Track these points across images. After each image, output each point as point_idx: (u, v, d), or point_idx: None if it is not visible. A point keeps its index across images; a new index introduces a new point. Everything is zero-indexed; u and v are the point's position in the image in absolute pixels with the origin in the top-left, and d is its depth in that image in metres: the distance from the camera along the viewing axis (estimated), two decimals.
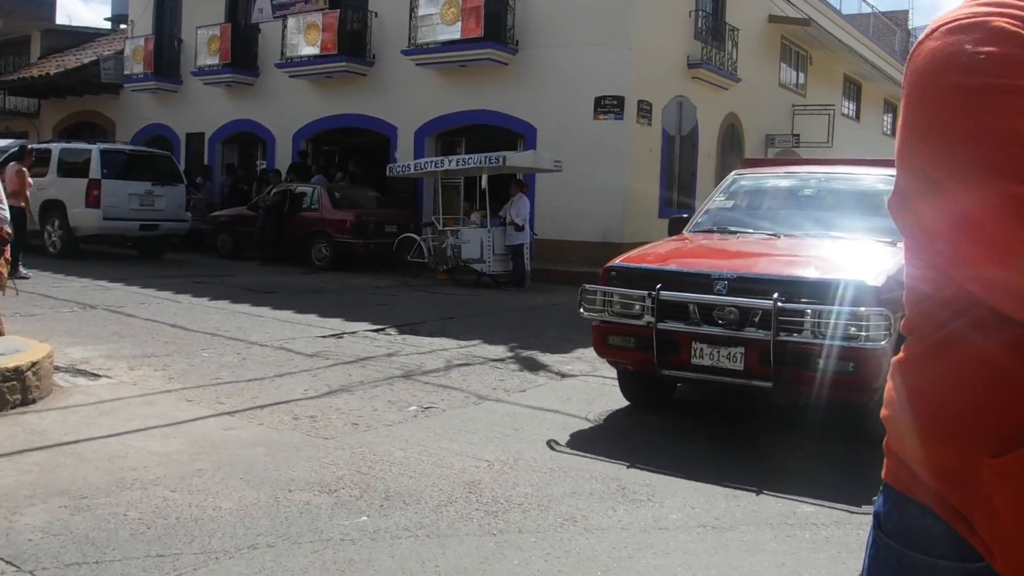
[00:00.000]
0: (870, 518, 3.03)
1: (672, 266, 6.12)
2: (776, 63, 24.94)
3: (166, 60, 25.34)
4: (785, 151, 23.59)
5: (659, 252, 6.55)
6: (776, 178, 7.89)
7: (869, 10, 36.32)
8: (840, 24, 28.32)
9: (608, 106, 18.16)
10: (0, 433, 5.30)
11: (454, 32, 18.87)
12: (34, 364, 6.05)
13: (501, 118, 19.44)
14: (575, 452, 5.49)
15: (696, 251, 6.66)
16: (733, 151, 21.89)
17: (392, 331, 9.94)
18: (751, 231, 6.92)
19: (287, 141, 22.86)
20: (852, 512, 4.49)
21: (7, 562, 3.48)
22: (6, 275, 7.86)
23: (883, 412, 1.21)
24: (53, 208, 16.98)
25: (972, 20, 1.00)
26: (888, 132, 34.12)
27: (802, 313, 5.41)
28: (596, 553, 3.94)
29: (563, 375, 7.89)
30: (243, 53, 23.33)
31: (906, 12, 43.71)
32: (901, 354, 1.18)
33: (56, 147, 17.98)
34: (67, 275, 13.89)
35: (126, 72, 25.76)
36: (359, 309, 11.69)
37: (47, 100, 29.50)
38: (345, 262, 17.42)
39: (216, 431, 5.63)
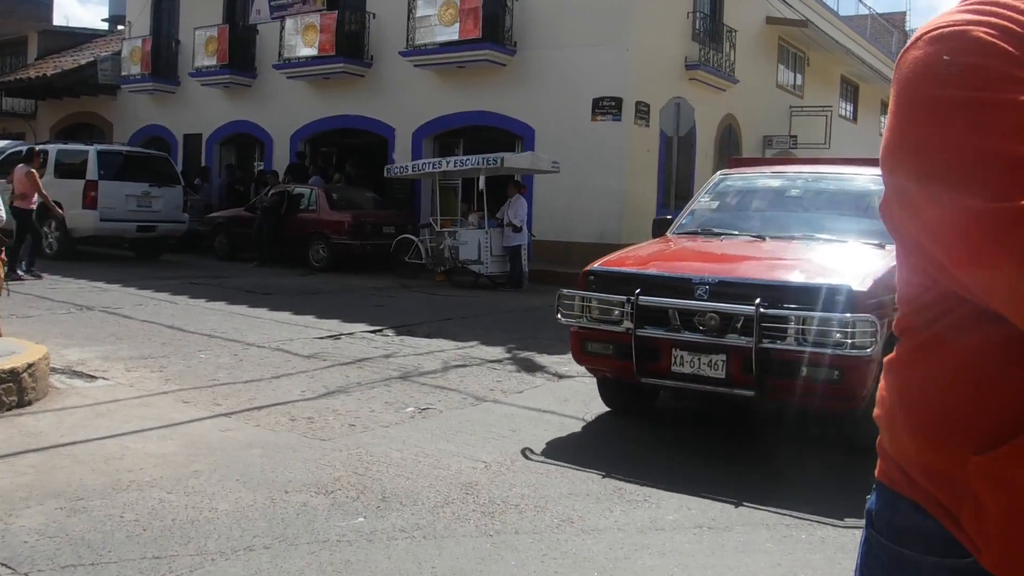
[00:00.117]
0: (857, 528, 2.93)
1: (652, 270, 5.93)
2: (774, 64, 24.96)
3: (164, 61, 25.32)
4: (782, 152, 23.59)
5: (640, 255, 6.38)
6: (762, 178, 7.68)
7: (866, 12, 36.37)
8: (837, 25, 28.33)
9: (606, 107, 18.16)
10: None
11: (452, 33, 18.87)
12: (30, 366, 6.04)
13: (499, 119, 19.44)
14: (549, 461, 5.30)
15: (678, 254, 6.42)
16: (731, 152, 21.89)
17: (390, 332, 9.94)
18: (736, 233, 6.73)
19: (285, 142, 22.86)
20: (835, 526, 4.36)
21: (2, 564, 3.48)
22: (3, 276, 7.86)
23: (875, 411, 1.22)
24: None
25: (952, 29, 1.01)
26: None
27: (785, 319, 5.23)
28: (593, 554, 3.94)
29: (560, 376, 7.88)
30: (241, 54, 23.32)
31: (903, 14, 43.80)
32: (893, 354, 1.20)
33: (53, 148, 17.96)
34: (64, 276, 13.87)
35: (123, 73, 25.74)
36: (356, 310, 11.68)
37: (44, 101, 29.46)
38: (343, 263, 17.41)
39: (213, 433, 5.62)
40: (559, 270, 16.52)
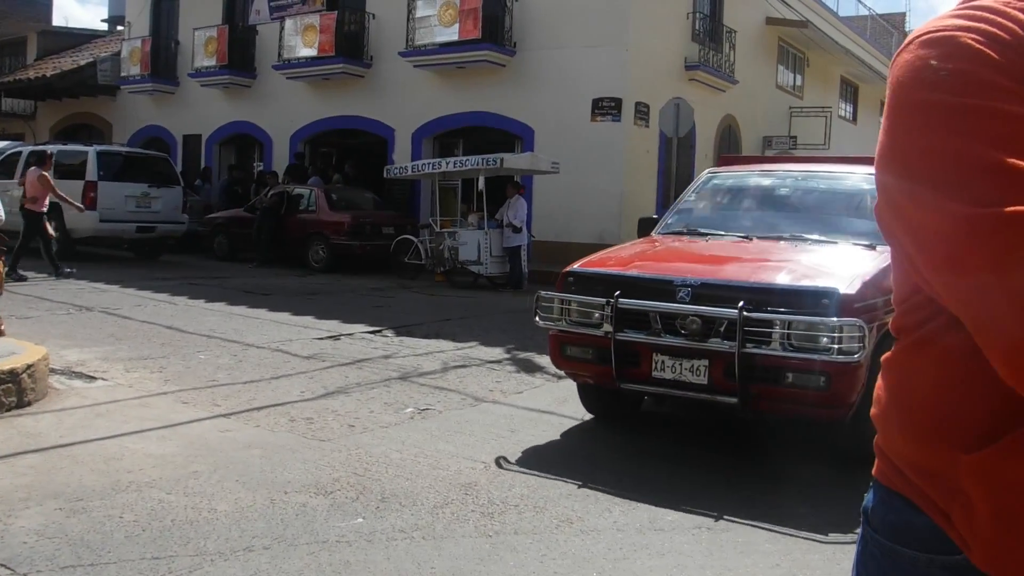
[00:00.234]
0: (839, 544, 2.91)
1: (633, 271, 5.69)
2: (773, 65, 24.97)
3: (163, 62, 25.32)
4: (782, 153, 23.60)
5: (621, 256, 6.17)
6: (751, 177, 7.43)
7: (866, 12, 36.40)
8: (837, 26, 28.33)
9: (605, 108, 18.16)
10: None
11: (452, 34, 18.87)
12: (30, 366, 6.04)
13: (498, 120, 19.45)
14: (524, 470, 5.11)
15: (661, 255, 6.21)
16: (730, 153, 21.90)
17: (389, 333, 9.94)
18: (722, 233, 6.53)
19: (284, 143, 22.86)
20: (819, 542, 4.18)
21: (2, 565, 3.48)
22: (2, 275, 7.86)
23: (872, 410, 1.23)
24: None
25: (941, 35, 1.02)
26: None
27: (770, 323, 5.02)
28: (592, 554, 3.95)
29: (559, 376, 7.87)
30: (240, 55, 23.32)
31: (903, 14, 43.80)
32: (889, 353, 1.21)
33: (52, 149, 17.95)
34: (59, 278, 13.87)
35: (123, 74, 25.73)
36: (356, 311, 11.68)
37: (43, 102, 29.46)
38: (342, 264, 17.41)
39: (212, 433, 5.62)
40: (558, 271, 16.51)
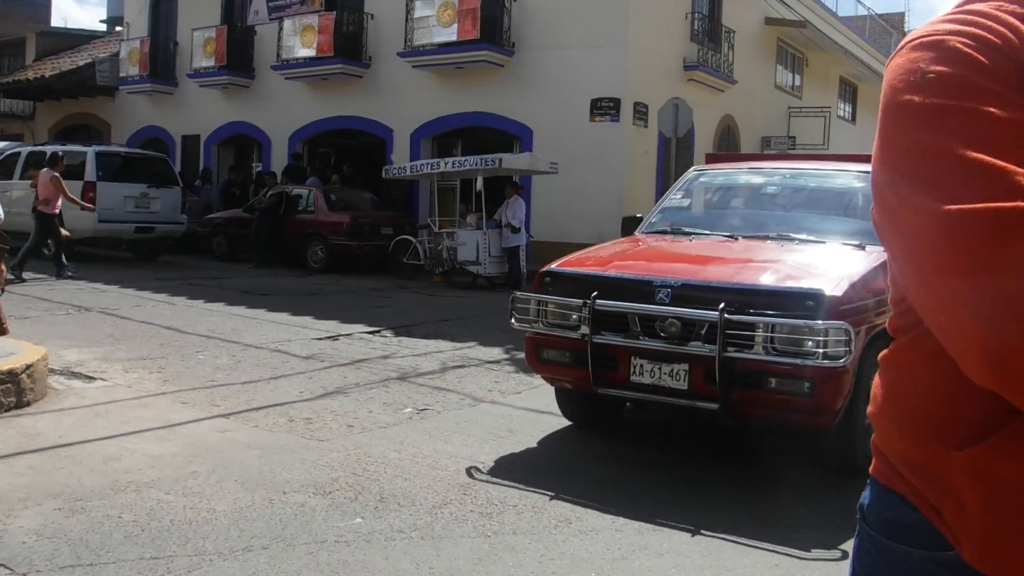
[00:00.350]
0: (822, 560, 2.89)
1: (611, 272, 5.47)
2: (772, 65, 24.97)
3: (161, 62, 25.30)
4: (781, 153, 23.61)
5: (601, 255, 5.94)
6: (738, 175, 7.26)
7: (865, 12, 36.43)
8: (836, 26, 28.35)
9: (604, 108, 18.17)
10: None
11: (450, 34, 18.87)
12: (29, 367, 6.04)
13: (497, 120, 19.45)
14: (496, 480, 4.91)
15: (642, 254, 6.01)
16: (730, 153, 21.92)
17: (388, 333, 9.94)
18: (707, 232, 6.32)
19: (283, 143, 22.85)
20: (800, 558, 4.01)
21: (1, 565, 3.48)
22: (4, 274, 7.87)
23: (869, 408, 1.25)
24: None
25: (931, 39, 1.05)
26: None
27: (752, 326, 4.81)
28: (590, 554, 3.95)
29: None
30: (239, 55, 23.31)
31: (902, 14, 43.83)
32: (886, 351, 1.23)
33: (52, 149, 17.94)
34: (62, 277, 13.87)
35: (121, 74, 25.71)
36: (355, 311, 11.68)
37: (42, 102, 29.43)
38: (341, 264, 17.41)
39: (211, 433, 5.63)
40: None
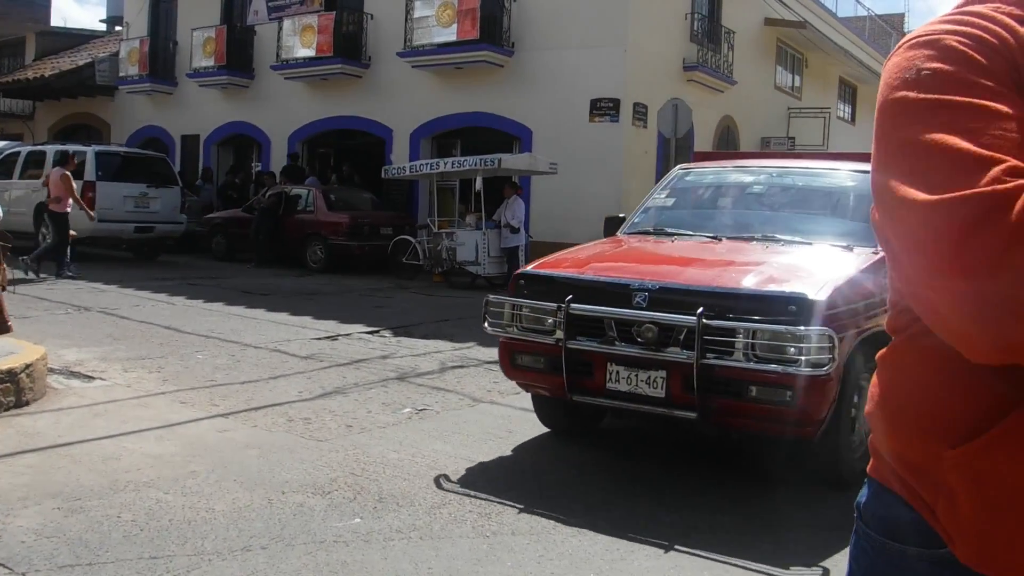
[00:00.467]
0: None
1: (588, 274, 5.27)
2: (772, 66, 24.97)
3: (161, 62, 25.29)
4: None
5: (579, 257, 5.72)
6: (724, 173, 6.99)
7: (865, 13, 36.42)
8: (836, 27, 28.34)
9: (604, 108, 18.16)
10: None
11: (450, 34, 18.86)
12: (28, 366, 6.04)
13: (497, 120, 19.44)
14: (464, 491, 4.72)
15: (621, 256, 5.80)
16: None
17: (387, 333, 9.94)
18: (690, 233, 6.10)
19: (282, 143, 22.84)
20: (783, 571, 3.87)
21: (0, 564, 3.48)
22: (6, 272, 7.87)
23: (867, 408, 1.27)
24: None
25: (928, 38, 1.07)
26: None
27: (732, 332, 4.60)
28: (589, 555, 3.95)
29: None
30: (238, 55, 23.30)
31: (902, 15, 43.83)
32: (884, 350, 1.25)
33: (51, 149, 17.95)
34: (62, 277, 13.87)
35: (121, 74, 25.70)
36: (354, 311, 11.68)
37: (42, 102, 29.43)
38: (340, 264, 17.42)
39: (210, 433, 5.63)
40: None
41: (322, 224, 17.62)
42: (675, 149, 16.63)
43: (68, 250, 14.30)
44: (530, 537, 4.11)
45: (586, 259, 5.60)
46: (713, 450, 6.01)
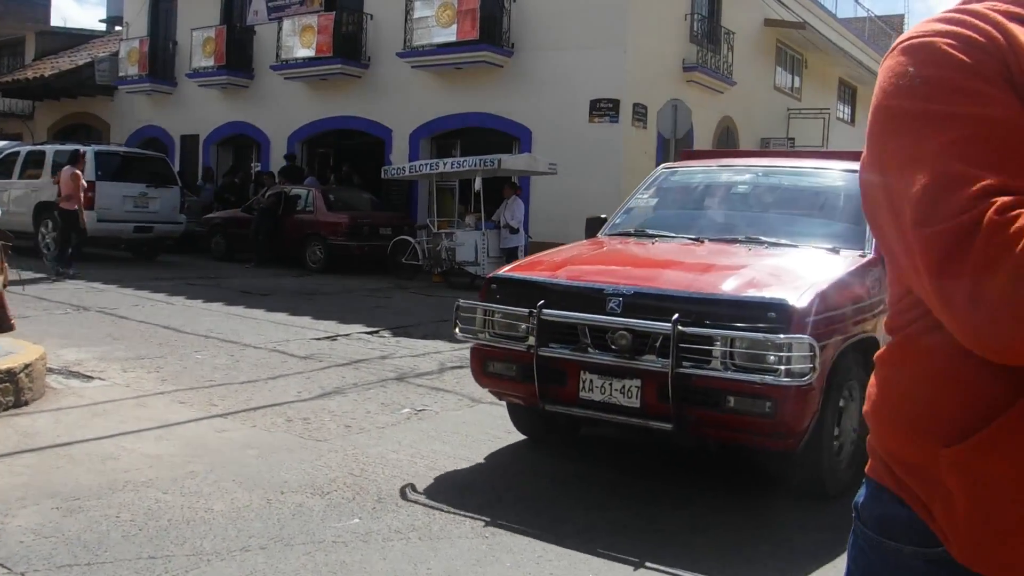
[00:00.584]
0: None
1: (561, 278, 5.07)
2: (771, 66, 24.98)
3: (161, 62, 25.29)
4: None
5: (555, 259, 5.51)
6: (709, 172, 6.76)
7: (864, 14, 36.47)
8: (835, 28, 28.36)
9: (603, 109, 18.16)
10: None
11: (449, 34, 18.86)
12: (27, 366, 6.04)
13: (496, 121, 19.44)
14: (429, 502, 4.51)
15: (598, 258, 5.61)
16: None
17: (386, 333, 9.94)
18: (672, 235, 5.88)
19: (282, 143, 22.83)
20: None
21: None
22: (6, 269, 7.88)
23: (864, 407, 1.27)
24: (47, 210, 16.94)
25: (919, 41, 1.09)
26: None
27: (709, 339, 4.42)
28: (590, 554, 3.95)
29: None
30: (238, 55, 23.30)
31: (902, 16, 43.86)
32: (882, 350, 1.25)
33: (50, 149, 17.95)
34: (60, 278, 13.87)
35: (121, 74, 25.70)
36: (353, 311, 11.68)
37: (41, 102, 29.42)
38: (339, 264, 17.41)
39: (209, 433, 5.63)
40: None
41: (321, 224, 17.62)
42: (675, 150, 16.63)
43: (70, 249, 14.35)
44: (529, 537, 4.11)
45: (561, 262, 5.42)
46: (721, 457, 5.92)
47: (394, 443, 5.57)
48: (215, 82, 23.62)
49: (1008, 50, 1.04)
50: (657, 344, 4.54)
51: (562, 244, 6.73)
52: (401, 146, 20.75)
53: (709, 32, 21.00)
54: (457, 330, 5.32)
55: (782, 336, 4.26)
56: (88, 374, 7.11)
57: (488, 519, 4.34)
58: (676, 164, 7.19)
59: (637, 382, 4.62)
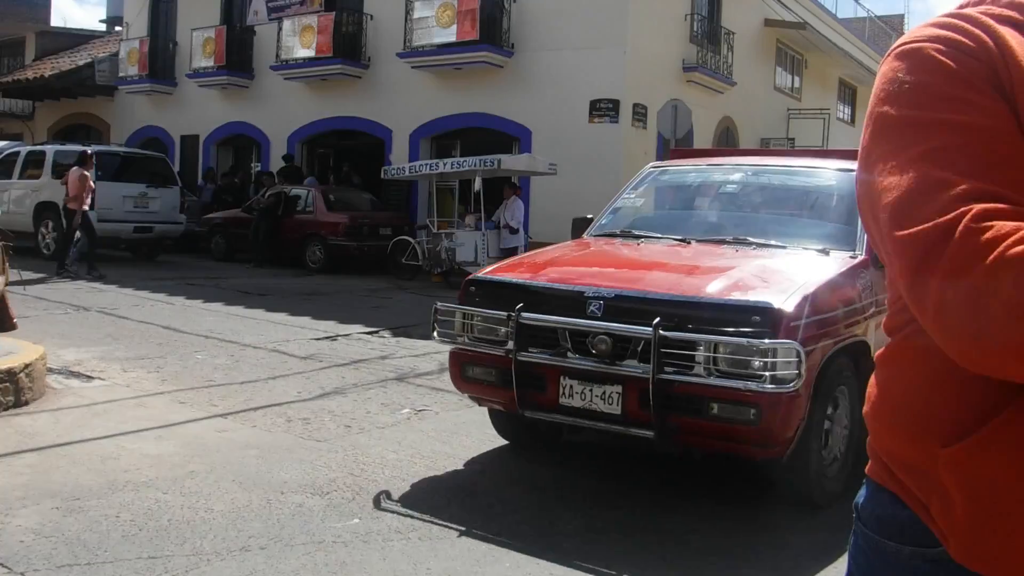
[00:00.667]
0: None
1: (540, 280, 4.93)
2: (771, 67, 24.98)
3: (161, 62, 25.29)
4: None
5: (537, 261, 5.39)
6: (698, 172, 6.60)
7: (865, 14, 36.47)
8: (835, 28, 28.36)
9: (603, 109, 18.17)
10: None
11: (449, 35, 18.87)
12: (27, 366, 6.04)
13: (496, 121, 19.45)
14: (404, 511, 4.37)
15: (581, 260, 5.47)
16: None
17: (386, 333, 9.94)
18: (658, 236, 5.71)
19: (282, 144, 22.84)
20: None
21: None
22: (7, 268, 7.90)
23: (864, 409, 1.28)
24: (47, 210, 16.96)
25: (911, 47, 1.11)
26: None
27: (691, 344, 4.26)
28: (591, 554, 3.95)
29: None
30: (238, 55, 23.30)
31: (902, 16, 43.86)
32: (881, 350, 1.26)
33: (51, 149, 17.97)
34: (61, 277, 13.87)
35: (121, 74, 25.71)
36: (353, 311, 11.69)
37: (41, 102, 29.42)
38: (339, 264, 17.42)
39: (209, 433, 5.63)
40: None
41: (321, 224, 17.63)
42: None
43: (72, 250, 14.36)
44: (530, 537, 4.11)
45: (543, 263, 5.28)
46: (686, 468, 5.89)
47: (394, 443, 5.57)
48: (215, 82, 23.62)
49: (998, 56, 1.04)
50: (639, 349, 4.41)
51: None
52: (401, 146, 20.76)
53: (709, 32, 21.00)
54: (436, 334, 5.18)
55: (767, 341, 4.11)
56: (88, 374, 7.11)
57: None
58: (664, 163, 7.03)
59: (618, 388, 4.49)
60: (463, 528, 4.19)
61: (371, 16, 21.09)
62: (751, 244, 5.35)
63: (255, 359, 8.09)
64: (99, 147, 18.85)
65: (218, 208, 20.96)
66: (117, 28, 29.55)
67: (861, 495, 1.27)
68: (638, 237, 5.78)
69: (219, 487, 4.57)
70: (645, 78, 18.37)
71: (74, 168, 14.54)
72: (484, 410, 6.53)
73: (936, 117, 1.03)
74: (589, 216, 6.52)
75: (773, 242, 5.36)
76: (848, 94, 31.26)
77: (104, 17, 34.63)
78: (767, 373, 4.10)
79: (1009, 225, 0.94)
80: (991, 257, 0.92)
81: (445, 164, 16.30)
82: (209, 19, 24.01)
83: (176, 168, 21.16)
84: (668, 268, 5.04)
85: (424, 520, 4.28)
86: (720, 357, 4.22)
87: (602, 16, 17.96)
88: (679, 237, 5.60)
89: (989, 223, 0.95)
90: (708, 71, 20.31)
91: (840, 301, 4.64)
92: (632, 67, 18.07)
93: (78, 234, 14.49)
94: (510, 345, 4.70)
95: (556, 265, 5.24)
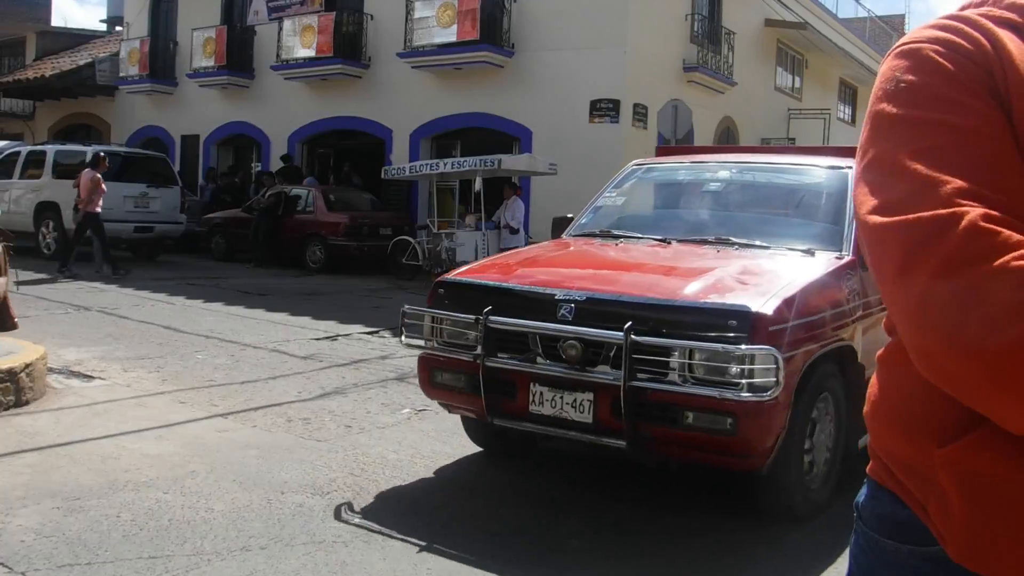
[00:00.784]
0: None
1: (511, 282, 4.73)
2: (772, 67, 24.98)
3: (161, 62, 25.30)
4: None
5: (509, 262, 5.24)
6: (681, 170, 6.41)
7: (865, 14, 36.48)
8: (836, 28, 28.37)
9: (603, 109, 18.17)
10: None
11: (450, 35, 18.87)
12: (28, 366, 6.05)
13: (496, 121, 19.45)
14: (366, 524, 4.17)
15: (556, 260, 5.30)
16: None
17: (386, 333, 9.94)
18: (638, 236, 5.52)
19: (282, 143, 22.84)
20: None
21: None
22: (7, 267, 7.90)
23: (864, 409, 1.28)
24: (48, 210, 16.97)
25: (909, 47, 1.12)
26: None
27: (665, 350, 4.06)
28: (590, 555, 3.95)
29: None
30: (238, 55, 23.31)
31: (903, 16, 43.86)
32: (881, 350, 1.26)
33: (51, 149, 17.97)
34: (61, 277, 13.88)
35: (121, 74, 25.73)
36: (353, 311, 11.69)
37: (42, 102, 29.44)
38: (339, 264, 17.42)
39: (209, 433, 5.63)
40: None
41: (321, 224, 17.63)
42: None
43: (74, 250, 14.40)
44: (530, 536, 4.11)
45: (516, 264, 5.11)
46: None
47: (394, 443, 5.58)
48: (215, 82, 23.63)
49: (994, 58, 1.05)
50: (611, 355, 4.20)
51: None
52: (401, 146, 20.76)
53: (709, 32, 21.00)
54: (403, 338, 5.01)
55: (743, 347, 3.92)
56: (89, 374, 7.11)
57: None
58: (648, 160, 6.79)
59: (589, 396, 4.28)
60: (463, 528, 4.20)
61: (371, 16, 21.10)
62: (733, 244, 5.17)
63: (255, 359, 8.10)
64: (100, 147, 18.85)
65: (217, 208, 20.97)
66: (117, 28, 29.57)
67: (862, 494, 1.28)
68: (617, 237, 5.60)
69: (219, 487, 4.57)
70: (645, 78, 18.38)
71: (86, 170, 14.58)
72: None
73: (932, 117, 1.04)
74: (569, 215, 6.33)
75: (756, 242, 5.17)
76: (849, 94, 31.26)
77: (104, 17, 34.71)
78: (744, 381, 3.91)
79: (1017, 237, 0.94)
80: (999, 262, 0.93)
81: (445, 164, 16.30)
82: (209, 19, 24.02)
83: (176, 168, 21.17)
84: (645, 269, 4.87)
85: (424, 520, 4.28)
86: (695, 364, 4.05)
87: (602, 16, 17.96)
88: (659, 237, 5.42)
89: (998, 228, 0.95)
90: (708, 71, 20.31)
91: (824, 304, 4.44)
92: (632, 67, 18.07)
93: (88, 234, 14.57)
94: (478, 350, 4.53)
95: (529, 266, 5.07)
